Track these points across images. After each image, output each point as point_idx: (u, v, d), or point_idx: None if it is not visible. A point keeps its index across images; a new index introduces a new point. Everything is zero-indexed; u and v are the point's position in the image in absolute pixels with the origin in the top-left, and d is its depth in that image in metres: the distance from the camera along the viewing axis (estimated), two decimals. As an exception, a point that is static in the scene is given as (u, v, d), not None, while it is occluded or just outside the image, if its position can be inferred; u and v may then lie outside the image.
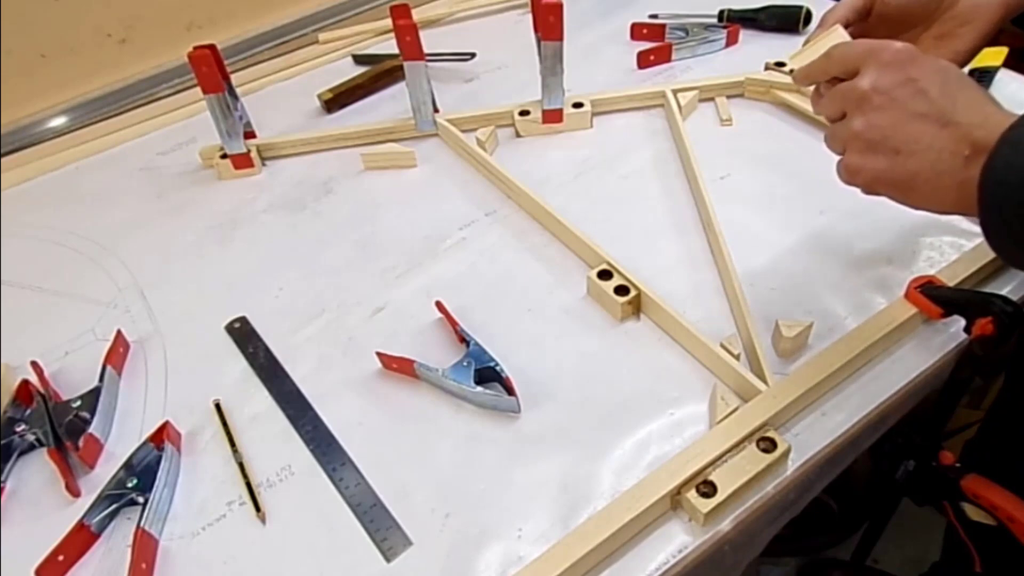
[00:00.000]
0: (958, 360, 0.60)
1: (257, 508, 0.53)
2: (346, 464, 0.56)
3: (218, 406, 0.60)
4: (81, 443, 0.56)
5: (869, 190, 0.50)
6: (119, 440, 0.59)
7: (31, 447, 0.59)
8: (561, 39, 0.77)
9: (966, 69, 0.83)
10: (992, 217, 0.43)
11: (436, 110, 0.86)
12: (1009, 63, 0.85)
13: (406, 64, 0.80)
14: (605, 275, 0.65)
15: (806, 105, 0.83)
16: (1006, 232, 0.43)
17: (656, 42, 0.97)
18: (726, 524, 0.50)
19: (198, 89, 0.77)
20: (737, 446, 0.52)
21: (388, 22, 0.80)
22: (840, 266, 0.67)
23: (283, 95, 0.98)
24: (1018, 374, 0.61)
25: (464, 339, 0.62)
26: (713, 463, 0.51)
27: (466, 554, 0.50)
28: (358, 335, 0.65)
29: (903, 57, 0.46)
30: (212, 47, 0.75)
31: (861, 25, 0.55)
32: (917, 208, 0.48)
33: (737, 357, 0.57)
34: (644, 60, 0.94)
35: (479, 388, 0.57)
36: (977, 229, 0.69)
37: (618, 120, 0.87)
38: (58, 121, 0.94)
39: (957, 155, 0.44)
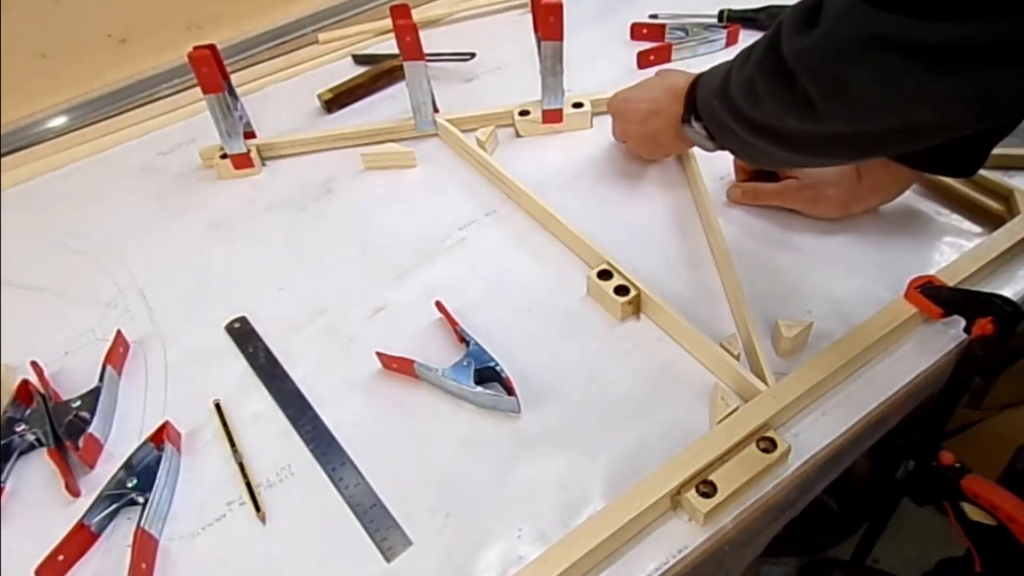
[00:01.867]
0: (958, 360, 0.60)
1: (257, 508, 0.53)
2: (346, 464, 0.56)
3: (218, 406, 0.60)
4: (81, 443, 0.56)
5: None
6: (119, 440, 0.59)
7: (31, 447, 0.59)
8: (561, 39, 0.77)
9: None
10: (707, 123, 0.62)
11: (436, 110, 0.86)
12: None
13: (406, 64, 0.80)
14: (605, 275, 0.65)
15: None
16: (714, 129, 0.62)
17: (656, 42, 0.97)
18: (726, 524, 0.50)
19: (198, 89, 0.77)
20: (737, 446, 0.52)
21: (388, 22, 0.80)
22: (840, 266, 0.67)
23: (283, 95, 0.98)
24: None
25: (464, 339, 0.61)
26: (713, 463, 0.51)
27: (466, 554, 0.50)
28: (358, 335, 0.65)
29: (616, 103, 0.78)
30: (212, 47, 0.75)
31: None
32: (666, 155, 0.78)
33: (737, 357, 0.57)
34: (644, 60, 0.94)
35: (479, 388, 0.57)
36: (977, 229, 0.70)
37: (618, 120, 0.87)
38: (58, 121, 0.94)
39: (673, 114, 0.68)
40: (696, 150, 0.78)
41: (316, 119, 0.93)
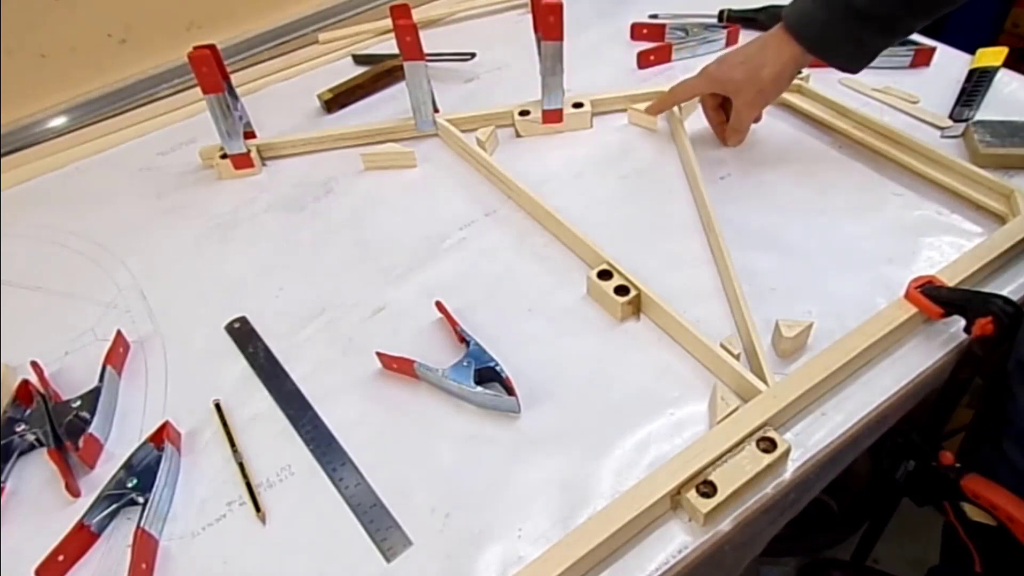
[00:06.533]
0: (958, 360, 0.60)
1: (257, 508, 0.53)
2: (346, 464, 0.56)
3: (218, 406, 0.60)
4: (81, 443, 0.56)
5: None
6: (119, 440, 0.59)
7: (31, 447, 0.59)
8: (561, 39, 0.77)
9: (967, 69, 0.83)
10: (806, 43, 0.70)
11: (436, 110, 0.86)
12: (1009, 63, 0.86)
13: (406, 64, 0.80)
14: (605, 275, 0.65)
15: (806, 105, 0.83)
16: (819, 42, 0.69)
17: (656, 42, 0.97)
18: (726, 524, 0.50)
19: (198, 89, 0.77)
20: (737, 446, 0.52)
21: (388, 22, 0.80)
22: (840, 266, 0.67)
23: (283, 95, 0.98)
24: (999, 374, 0.62)
25: (464, 339, 0.61)
26: (713, 463, 0.51)
27: (466, 554, 0.50)
28: (358, 335, 0.65)
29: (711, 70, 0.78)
30: (212, 47, 0.75)
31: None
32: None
33: (737, 357, 0.57)
34: (644, 60, 0.94)
35: (479, 388, 0.57)
36: (978, 229, 0.70)
37: (618, 120, 0.87)
38: (58, 121, 0.94)
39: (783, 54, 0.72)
40: (694, 147, 0.78)
41: (316, 119, 0.93)
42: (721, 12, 0.99)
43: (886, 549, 1.03)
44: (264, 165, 0.86)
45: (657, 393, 0.58)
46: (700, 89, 0.79)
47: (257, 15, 1.04)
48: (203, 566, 0.51)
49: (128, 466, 0.55)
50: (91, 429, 0.58)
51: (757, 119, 0.80)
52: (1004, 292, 0.62)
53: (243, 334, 0.67)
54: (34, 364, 0.63)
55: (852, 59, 0.70)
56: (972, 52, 0.88)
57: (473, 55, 0.99)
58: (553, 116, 0.85)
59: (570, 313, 0.65)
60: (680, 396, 0.58)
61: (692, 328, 0.60)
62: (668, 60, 0.95)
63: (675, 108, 0.84)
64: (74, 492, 0.55)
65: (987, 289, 0.62)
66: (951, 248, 0.67)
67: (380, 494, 0.54)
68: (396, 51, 0.81)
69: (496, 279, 0.69)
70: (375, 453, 0.56)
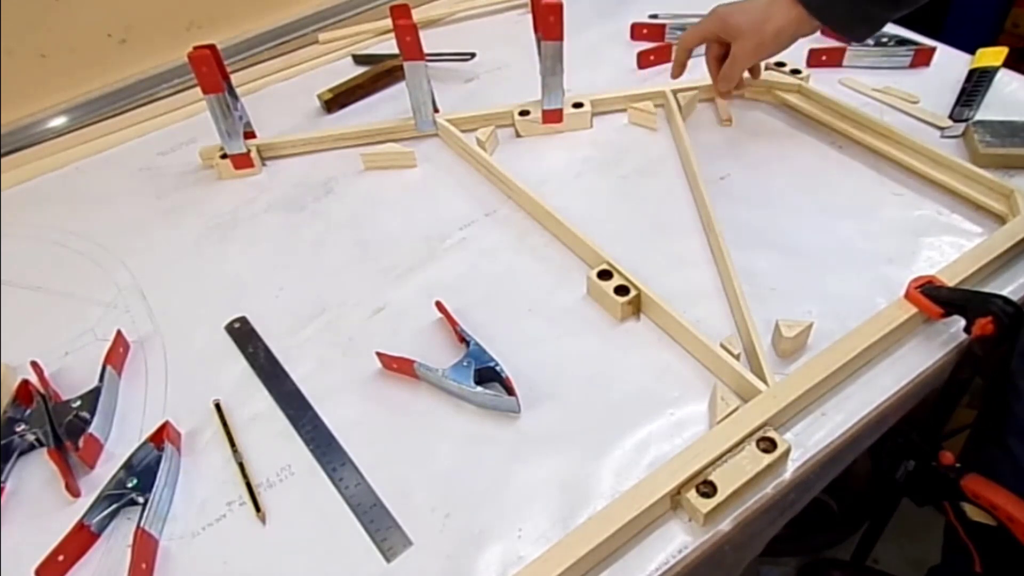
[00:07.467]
0: (958, 360, 0.60)
1: (257, 508, 0.53)
2: (346, 464, 0.56)
3: (218, 406, 0.60)
4: (81, 443, 0.56)
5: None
6: (119, 440, 0.59)
7: (31, 447, 0.59)
8: (561, 39, 0.77)
9: (967, 69, 0.83)
10: (813, 8, 0.70)
11: (436, 110, 0.86)
12: (1009, 63, 0.86)
13: (406, 64, 0.80)
14: (605, 275, 0.65)
15: (806, 105, 0.83)
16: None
17: (656, 42, 0.97)
18: (726, 524, 0.50)
19: (198, 89, 0.77)
20: (737, 446, 0.52)
21: (388, 22, 0.80)
22: (840, 266, 0.67)
23: (283, 95, 0.98)
24: (1001, 374, 0.62)
25: (464, 339, 0.61)
26: (713, 463, 0.51)
27: (466, 554, 0.50)
28: (358, 335, 0.65)
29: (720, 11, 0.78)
30: (212, 47, 0.75)
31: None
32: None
33: (737, 357, 0.57)
34: (644, 60, 0.94)
35: (479, 388, 0.57)
36: (978, 229, 0.70)
37: (618, 120, 0.87)
38: (58, 121, 0.94)
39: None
40: (694, 147, 0.78)
41: (316, 119, 0.93)
42: (721, 12, 0.99)
43: (886, 549, 1.03)
44: (264, 165, 0.86)
45: (657, 393, 0.58)
46: (706, 29, 0.79)
47: (257, 15, 1.04)
48: (203, 566, 0.51)
49: (128, 466, 0.55)
50: (91, 429, 0.57)
51: (741, 85, 0.81)
52: (1004, 292, 0.62)
53: (243, 334, 0.67)
54: (34, 364, 0.63)
55: (857, 28, 0.71)
56: (972, 52, 0.88)
57: (473, 55, 0.99)
58: (553, 116, 0.85)
59: (570, 313, 0.65)
60: (680, 396, 0.58)
61: (692, 328, 0.60)
62: (668, 60, 0.95)
63: (675, 108, 0.84)
64: (74, 492, 0.55)
65: (987, 289, 0.62)
66: (951, 248, 0.67)
67: (380, 494, 0.54)
68: (396, 51, 0.81)
69: (496, 279, 0.69)
70: (375, 453, 0.56)
